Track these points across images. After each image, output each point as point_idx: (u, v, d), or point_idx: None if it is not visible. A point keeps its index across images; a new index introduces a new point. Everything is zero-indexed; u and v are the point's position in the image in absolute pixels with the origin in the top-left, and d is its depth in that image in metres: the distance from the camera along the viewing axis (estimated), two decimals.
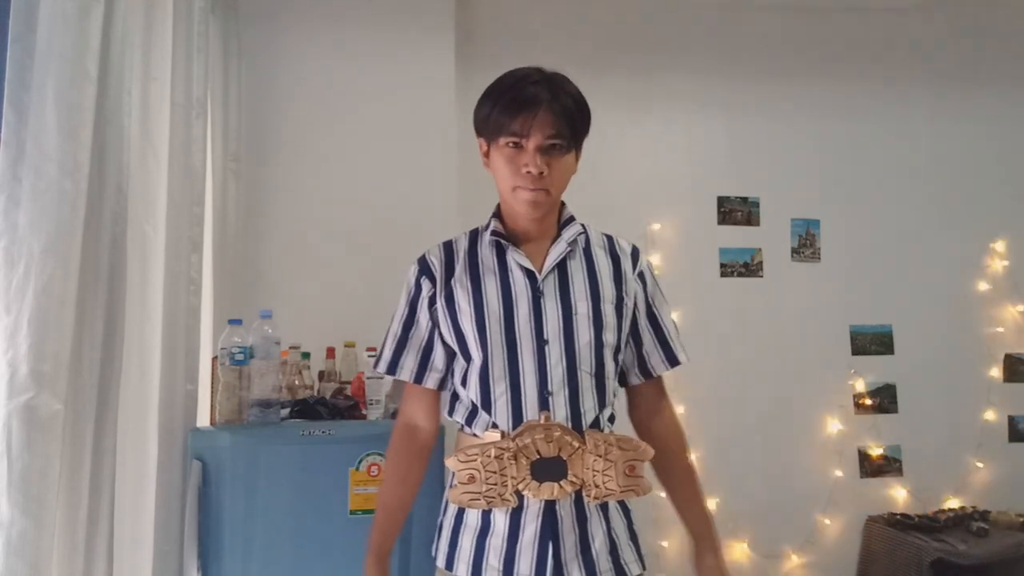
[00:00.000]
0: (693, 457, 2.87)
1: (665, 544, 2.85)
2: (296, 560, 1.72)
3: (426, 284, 1.34)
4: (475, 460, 1.21)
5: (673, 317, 1.42)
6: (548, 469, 1.20)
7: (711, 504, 2.89)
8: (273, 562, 1.71)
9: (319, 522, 1.73)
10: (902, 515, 2.89)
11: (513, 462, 1.20)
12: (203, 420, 1.87)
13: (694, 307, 2.90)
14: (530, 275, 1.29)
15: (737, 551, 2.93)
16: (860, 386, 3.08)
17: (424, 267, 1.35)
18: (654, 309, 1.39)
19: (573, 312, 1.28)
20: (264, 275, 2.52)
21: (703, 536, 1.36)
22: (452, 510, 1.32)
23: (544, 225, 1.33)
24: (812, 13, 3.17)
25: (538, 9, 3.01)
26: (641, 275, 1.38)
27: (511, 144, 1.24)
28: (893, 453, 3.07)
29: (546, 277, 1.30)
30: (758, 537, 2.94)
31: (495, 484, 1.21)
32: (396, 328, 1.37)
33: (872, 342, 3.12)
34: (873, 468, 3.05)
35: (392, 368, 1.36)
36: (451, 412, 1.36)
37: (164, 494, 1.68)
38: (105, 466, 1.45)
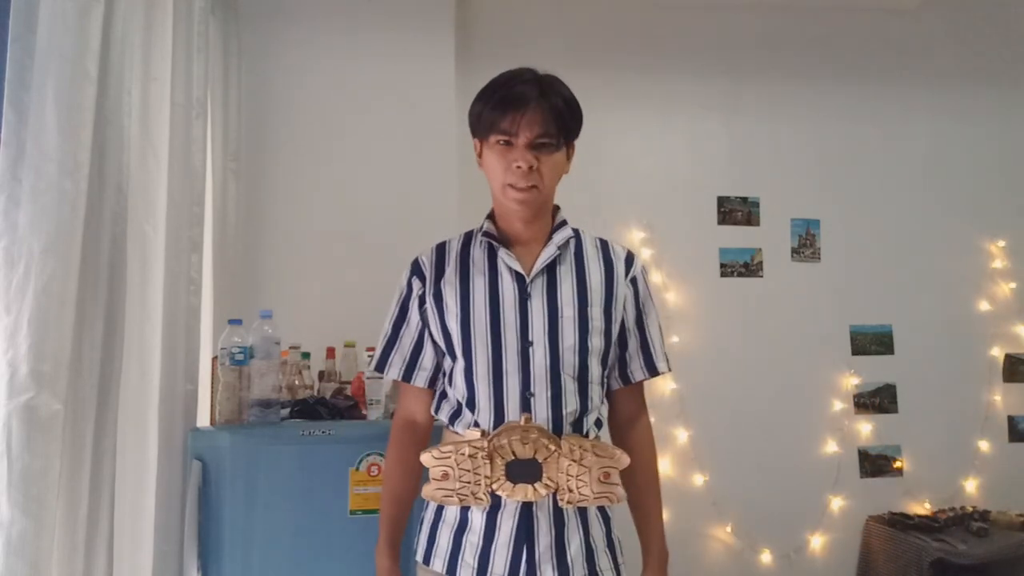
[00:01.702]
0: (693, 457, 2.89)
1: None
2: (296, 560, 1.72)
3: (416, 284, 1.37)
4: (449, 457, 1.22)
5: (663, 322, 1.42)
6: (523, 470, 1.21)
7: (710, 504, 2.90)
8: (273, 562, 1.71)
9: (319, 522, 1.73)
10: (902, 515, 2.89)
11: (487, 462, 1.21)
12: (203, 420, 1.87)
13: (694, 307, 2.91)
14: (519, 277, 1.30)
15: (736, 551, 2.93)
16: (860, 386, 3.08)
17: (415, 268, 1.39)
18: (642, 315, 1.39)
19: (559, 315, 1.28)
20: (264, 275, 2.52)
21: (650, 553, 1.36)
22: (433, 505, 1.33)
23: (536, 227, 1.34)
24: (812, 13, 3.16)
25: (538, 9, 3.01)
26: (633, 280, 1.38)
27: (501, 142, 1.26)
28: (893, 453, 3.07)
29: (534, 279, 1.30)
30: (758, 537, 2.94)
31: (468, 482, 1.22)
32: (387, 328, 1.40)
33: (872, 342, 3.12)
34: (873, 468, 3.05)
35: (381, 366, 1.39)
36: (436, 410, 1.37)
37: (164, 494, 1.68)
38: (105, 466, 1.45)
